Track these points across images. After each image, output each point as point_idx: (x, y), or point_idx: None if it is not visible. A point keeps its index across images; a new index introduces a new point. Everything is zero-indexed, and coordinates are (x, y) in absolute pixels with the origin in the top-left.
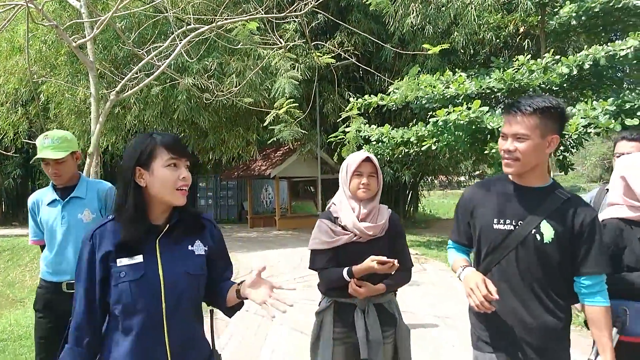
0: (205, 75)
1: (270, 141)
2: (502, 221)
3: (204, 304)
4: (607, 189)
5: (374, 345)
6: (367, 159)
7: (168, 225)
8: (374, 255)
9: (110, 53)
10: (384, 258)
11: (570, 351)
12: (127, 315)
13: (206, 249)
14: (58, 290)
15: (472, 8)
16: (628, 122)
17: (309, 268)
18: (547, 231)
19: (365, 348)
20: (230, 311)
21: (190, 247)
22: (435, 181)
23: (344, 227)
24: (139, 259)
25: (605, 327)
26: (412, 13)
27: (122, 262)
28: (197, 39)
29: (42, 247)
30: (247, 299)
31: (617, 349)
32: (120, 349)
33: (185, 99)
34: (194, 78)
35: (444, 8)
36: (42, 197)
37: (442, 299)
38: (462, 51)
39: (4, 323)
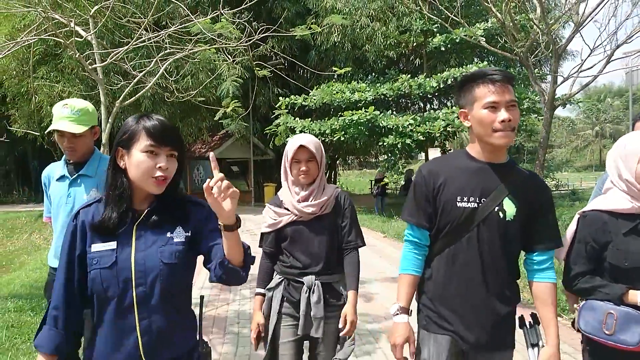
0: (170, 79)
1: (221, 133)
2: (465, 198)
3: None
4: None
5: (315, 321)
6: (302, 147)
7: (147, 210)
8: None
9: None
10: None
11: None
12: (100, 302)
13: (188, 234)
14: None
15: (379, 34)
16: None
17: (259, 247)
18: (510, 208)
19: (304, 324)
20: (242, 270)
21: (169, 234)
22: (355, 162)
23: (287, 209)
24: (112, 245)
25: (553, 303)
26: (335, 32)
27: (96, 247)
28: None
29: None
30: (233, 225)
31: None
32: (99, 335)
33: (149, 94)
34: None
35: (359, 30)
36: (54, 170)
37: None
38: (372, 61)
39: None
